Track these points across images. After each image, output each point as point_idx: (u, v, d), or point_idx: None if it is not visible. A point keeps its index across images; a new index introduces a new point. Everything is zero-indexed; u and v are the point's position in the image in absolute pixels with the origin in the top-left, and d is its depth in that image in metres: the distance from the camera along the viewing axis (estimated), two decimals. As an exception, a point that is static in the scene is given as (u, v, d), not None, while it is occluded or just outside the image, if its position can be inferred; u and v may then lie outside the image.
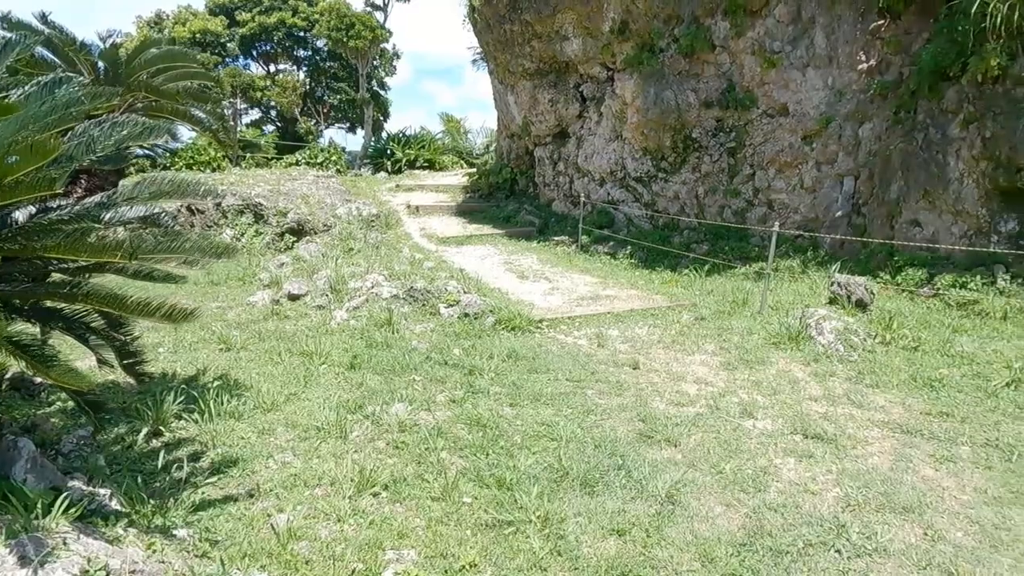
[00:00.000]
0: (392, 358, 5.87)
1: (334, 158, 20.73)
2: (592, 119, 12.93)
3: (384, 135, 27.58)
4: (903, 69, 8.90)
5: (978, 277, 7.39)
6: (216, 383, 5.24)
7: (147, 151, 17.01)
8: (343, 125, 41.44)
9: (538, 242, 12.71)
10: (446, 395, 5.05)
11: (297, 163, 20.26)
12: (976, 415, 4.69)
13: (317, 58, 35.92)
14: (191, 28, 28.78)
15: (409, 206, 14.99)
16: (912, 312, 7.22)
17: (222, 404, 4.59)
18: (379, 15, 23.79)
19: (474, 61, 16.23)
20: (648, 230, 11.98)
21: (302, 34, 32.95)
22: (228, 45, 30.74)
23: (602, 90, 12.59)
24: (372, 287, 8.42)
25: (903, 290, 7.98)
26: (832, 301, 7.62)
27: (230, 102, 25.89)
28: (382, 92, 36.56)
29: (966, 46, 7.53)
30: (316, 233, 12.90)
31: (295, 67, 36.26)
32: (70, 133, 2.99)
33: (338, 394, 5.03)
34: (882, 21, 8.97)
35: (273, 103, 29.13)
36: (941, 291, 7.53)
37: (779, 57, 10.20)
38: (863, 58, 9.24)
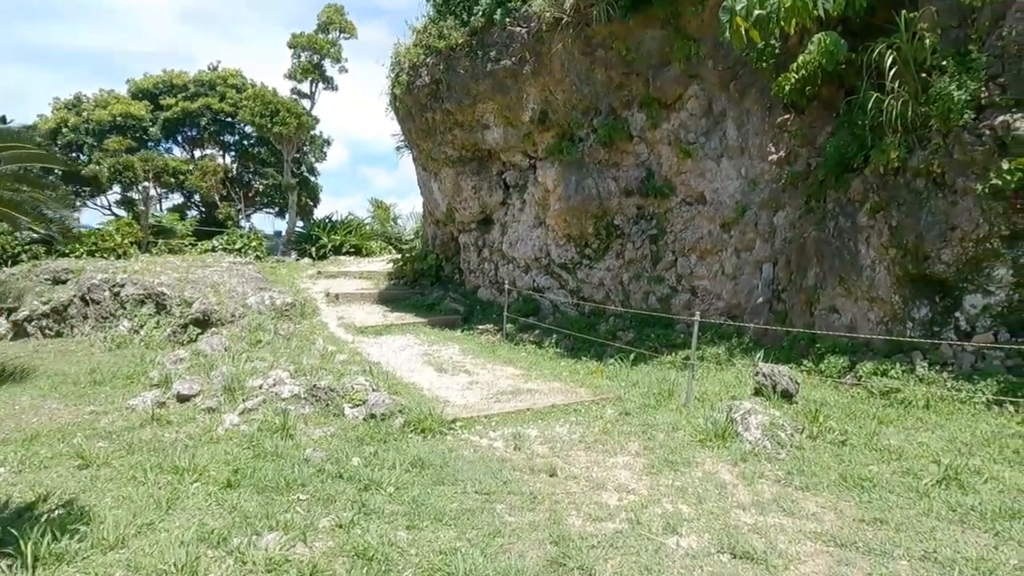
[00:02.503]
0: (279, 472, 5.18)
1: (254, 244, 20.01)
2: (516, 206, 12.91)
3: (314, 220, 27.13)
4: (811, 160, 9.21)
5: (898, 364, 7.36)
6: (57, 512, 4.43)
7: (44, 236, 15.95)
8: (271, 210, 40.80)
9: (462, 331, 12.28)
10: (332, 518, 4.38)
11: (214, 249, 19.42)
12: (910, 521, 4.38)
13: (245, 143, 35.60)
14: (112, 111, 28.08)
15: (328, 294, 14.38)
16: (837, 402, 7.07)
17: (49, 543, 3.80)
18: (306, 102, 23.83)
19: (398, 148, 16.23)
20: (574, 317, 11.75)
21: (229, 119, 32.70)
22: (150, 129, 30.07)
23: (524, 178, 12.64)
24: (273, 385, 7.72)
25: (827, 378, 7.88)
26: (758, 392, 7.41)
27: (143, 187, 24.92)
28: (312, 177, 36.42)
29: (866, 139, 7.84)
30: (223, 324, 12.06)
31: (221, 152, 35.76)
32: None
33: (203, 522, 4.29)
34: (787, 115, 9.34)
35: (195, 187, 28.30)
36: (863, 379, 7.45)
37: (694, 148, 10.48)
38: (773, 149, 9.55)
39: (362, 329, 11.88)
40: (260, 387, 7.66)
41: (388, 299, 14.58)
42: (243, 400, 7.34)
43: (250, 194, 33.75)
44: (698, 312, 7.78)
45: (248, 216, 39.42)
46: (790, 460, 5.57)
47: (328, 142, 35.74)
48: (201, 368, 8.96)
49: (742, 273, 10.21)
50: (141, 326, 12.38)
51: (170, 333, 12.04)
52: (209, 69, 33.42)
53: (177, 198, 35.30)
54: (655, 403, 7.42)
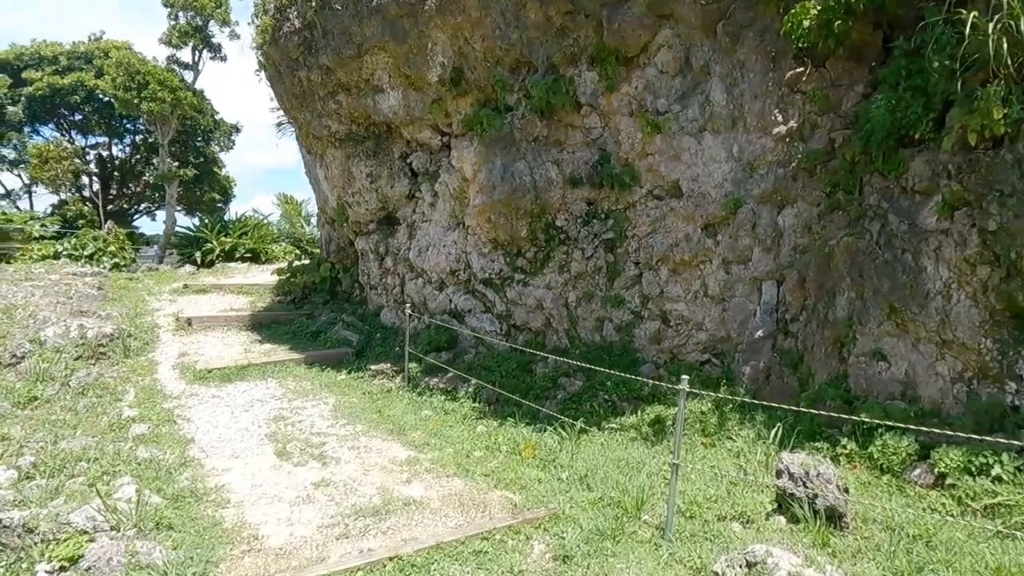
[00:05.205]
0: None
1: (111, 248, 16.43)
2: (425, 200, 9.93)
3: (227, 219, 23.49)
4: (835, 133, 6.56)
5: (1003, 456, 4.70)
6: None
7: None
8: (179, 207, 36.66)
9: (349, 372, 9.23)
10: None
11: (56, 256, 15.81)
12: None
13: (140, 127, 31.47)
14: (-48, 86, 23.85)
15: (179, 318, 11.11)
16: (916, 527, 4.36)
17: None
18: (189, 74, 20.35)
19: (279, 124, 13.05)
20: (503, 352, 8.85)
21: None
22: (8, 108, 25.88)
23: (436, 162, 9.68)
24: (-48, 509, 4.56)
25: (881, 469, 5.19)
26: (782, 504, 4.67)
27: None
28: (218, 169, 32.58)
29: (942, 93, 5.18)
30: (-2, 368, 8.73)
31: (108, 139, 31.53)
32: None
33: None
34: (801, 69, 6.68)
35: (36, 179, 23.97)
36: (948, 479, 4.78)
37: (665, 119, 7.73)
38: (779, 118, 6.87)
39: (204, 374, 8.72)
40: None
41: (262, 324, 11.41)
42: None
43: (138, 188, 29.74)
44: (685, 380, 5.00)
45: (151, 213, 35.31)
46: None
47: (237, 128, 31.97)
48: None
49: (733, 294, 7.52)
50: None
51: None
52: (90, 40, 29.32)
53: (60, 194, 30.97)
54: (614, 526, 4.59)
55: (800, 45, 6.42)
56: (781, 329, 7.14)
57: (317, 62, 9.21)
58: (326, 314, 11.54)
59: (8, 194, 29.13)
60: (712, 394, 6.46)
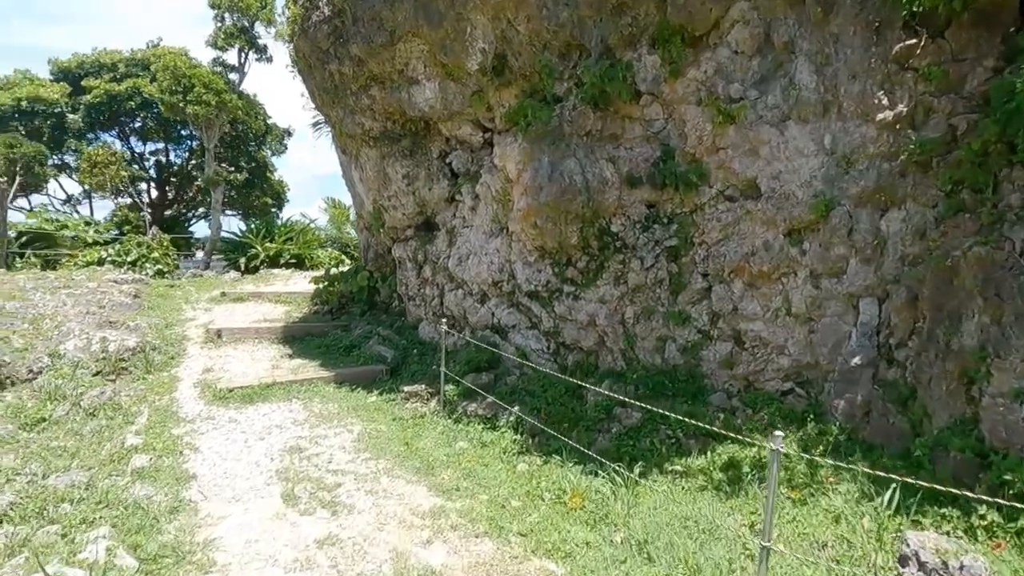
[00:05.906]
0: None
1: (155, 255, 16.22)
2: (466, 204, 9.07)
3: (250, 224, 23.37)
4: (955, 118, 5.38)
5: None
6: None
7: None
8: (234, 212, 37.15)
9: (381, 393, 8.45)
10: None
11: (100, 262, 15.67)
12: None
13: (194, 132, 31.93)
14: (15, 95, 24.37)
15: (209, 330, 10.57)
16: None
17: None
18: (234, 77, 20.16)
19: (316, 124, 12.43)
20: (550, 376, 7.88)
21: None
22: (69, 116, 26.38)
23: (478, 161, 8.81)
24: None
25: (1035, 550, 4.02)
26: (909, 602, 3.57)
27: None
28: (270, 173, 32.70)
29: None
30: (14, 384, 8.27)
31: (167, 144, 32.05)
32: None
33: None
34: (912, 41, 5.52)
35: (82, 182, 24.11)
36: None
37: (740, 107, 6.65)
38: (884, 102, 5.71)
39: (225, 394, 8.07)
40: None
41: (295, 336, 10.77)
42: None
43: (191, 193, 30.04)
44: (771, 433, 3.98)
45: (207, 218, 35.84)
46: None
47: (289, 132, 32.02)
48: None
49: (823, 313, 6.38)
50: None
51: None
52: (148, 47, 29.79)
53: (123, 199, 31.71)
54: (684, 621, 3.58)
55: (913, 10, 5.28)
56: (884, 356, 5.97)
57: (348, 53, 8.48)
58: (362, 326, 10.82)
59: (68, 199, 29.81)
60: (814, 457, 5.36)
